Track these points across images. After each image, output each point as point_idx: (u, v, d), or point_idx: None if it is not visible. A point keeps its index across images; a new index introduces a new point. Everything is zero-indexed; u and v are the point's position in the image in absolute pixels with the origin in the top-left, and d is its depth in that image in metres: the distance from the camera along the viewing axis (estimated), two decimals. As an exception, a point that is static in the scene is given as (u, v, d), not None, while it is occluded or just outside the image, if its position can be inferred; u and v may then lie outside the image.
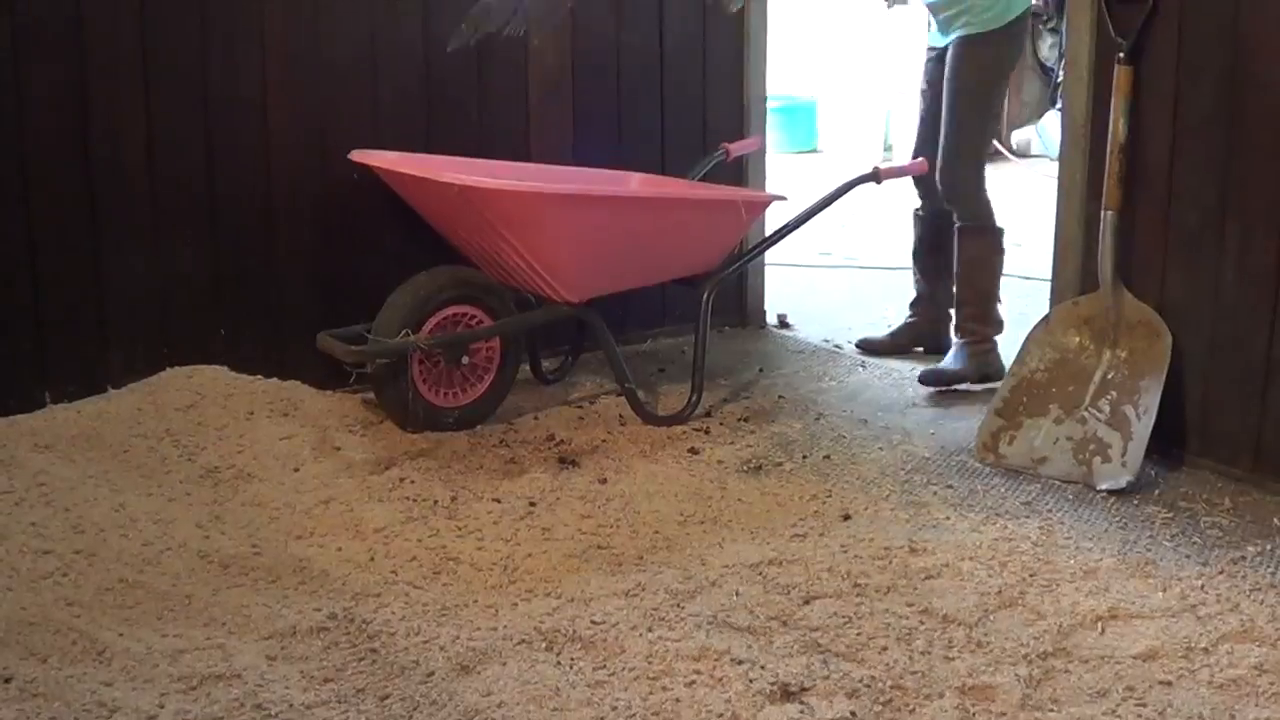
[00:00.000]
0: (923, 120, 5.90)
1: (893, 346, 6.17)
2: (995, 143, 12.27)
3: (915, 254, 6.16)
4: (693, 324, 5.28)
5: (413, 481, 4.42)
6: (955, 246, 5.77)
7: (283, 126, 5.15)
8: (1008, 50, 5.68)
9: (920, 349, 6.15)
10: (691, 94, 6.20)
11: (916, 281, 6.19)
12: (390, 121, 5.39)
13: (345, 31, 5.24)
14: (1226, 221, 4.55)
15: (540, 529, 4.16)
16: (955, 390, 5.61)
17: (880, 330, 6.34)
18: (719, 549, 4.03)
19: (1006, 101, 5.65)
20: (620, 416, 5.08)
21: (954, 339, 5.82)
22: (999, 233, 5.76)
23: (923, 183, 5.94)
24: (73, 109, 4.75)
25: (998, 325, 5.77)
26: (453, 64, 5.50)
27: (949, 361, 5.76)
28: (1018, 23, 5.60)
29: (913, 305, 6.21)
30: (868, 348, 6.20)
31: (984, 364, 5.70)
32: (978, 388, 5.59)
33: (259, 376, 4.99)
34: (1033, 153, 12.56)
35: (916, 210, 6.09)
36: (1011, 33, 5.61)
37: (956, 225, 5.75)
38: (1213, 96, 4.54)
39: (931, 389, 5.62)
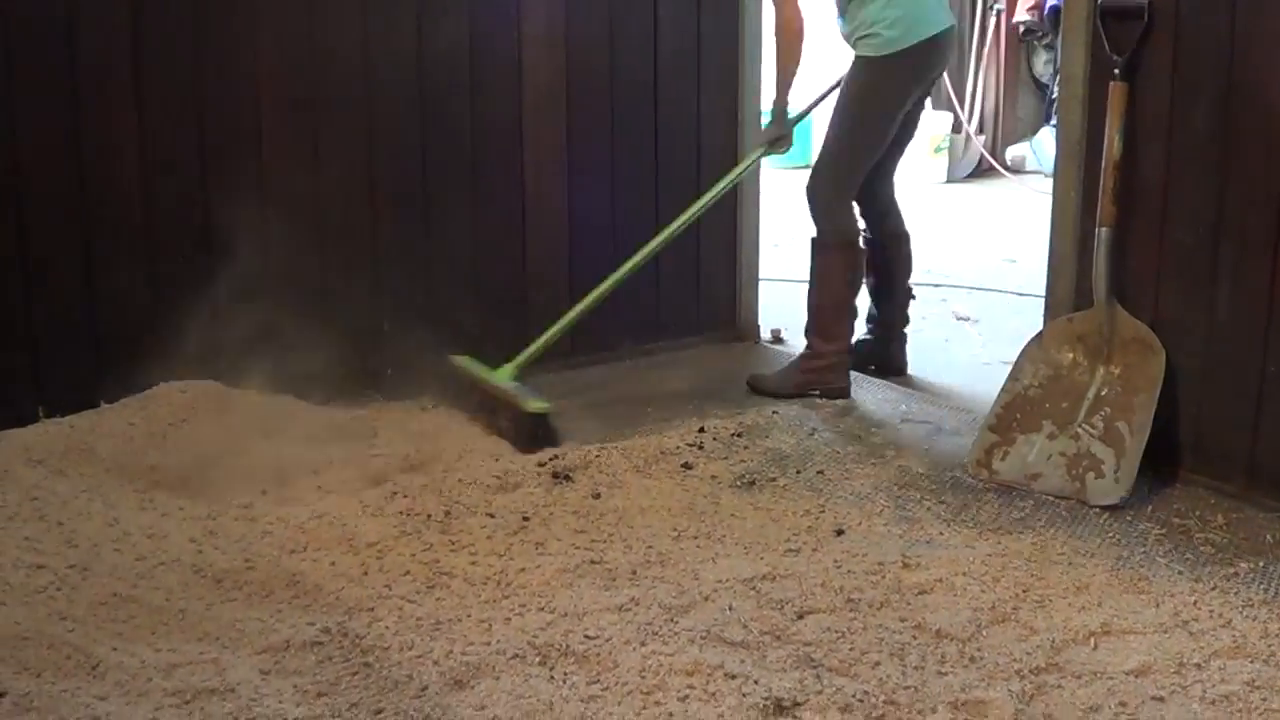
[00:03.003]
0: None
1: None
2: (990, 159, 12.30)
3: (867, 275, 6.06)
4: (688, 338, 5.30)
5: (406, 496, 4.42)
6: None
7: (275, 139, 5.17)
8: (890, 80, 5.55)
9: (873, 367, 6.11)
10: (685, 109, 6.21)
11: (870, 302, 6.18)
12: (384, 137, 5.41)
13: (339, 48, 5.26)
14: (1221, 238, 4.56)
15: (534, 544, 4.16)
16: (948, 406, 5.61)
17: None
18: (712, 564, 4.03)
19: (884, 132, 5.48)
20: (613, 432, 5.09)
21: None
22: (849, 251, 5.73)
23: (865, 212, 5.95)
24: (67, 120, 4.77)
25: (839, 343, 5.75)
26: (446, 79, 5.52)
27: (776, 371, 5.89)
28: (904, 56, 5.47)
29: (867, 322, 6.18)
30: None
31: (813, 380, 5.74)
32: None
33: (252, 390, 4.99)
34: (1027, 169, 12.55)
35: (864, 232, 6.00)
36: (896, 64, 5.50)
37: (811, 236, 5.77)
38: (1208, 114, 4.55)
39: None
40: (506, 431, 5.05)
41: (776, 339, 6.65)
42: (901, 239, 5.98)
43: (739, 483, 4.70)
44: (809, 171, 5.74)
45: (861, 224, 5.96)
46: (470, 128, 5.61)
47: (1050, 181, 5.26)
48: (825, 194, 5.68)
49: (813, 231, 5.75)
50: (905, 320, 6.07)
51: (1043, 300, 5.25)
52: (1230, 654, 3.53)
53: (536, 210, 5.82)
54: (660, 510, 4.44)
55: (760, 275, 6.68)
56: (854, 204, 5.76)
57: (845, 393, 5.69)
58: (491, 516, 4.33)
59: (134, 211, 4.92)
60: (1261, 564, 4.11)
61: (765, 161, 6.18)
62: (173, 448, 4.58)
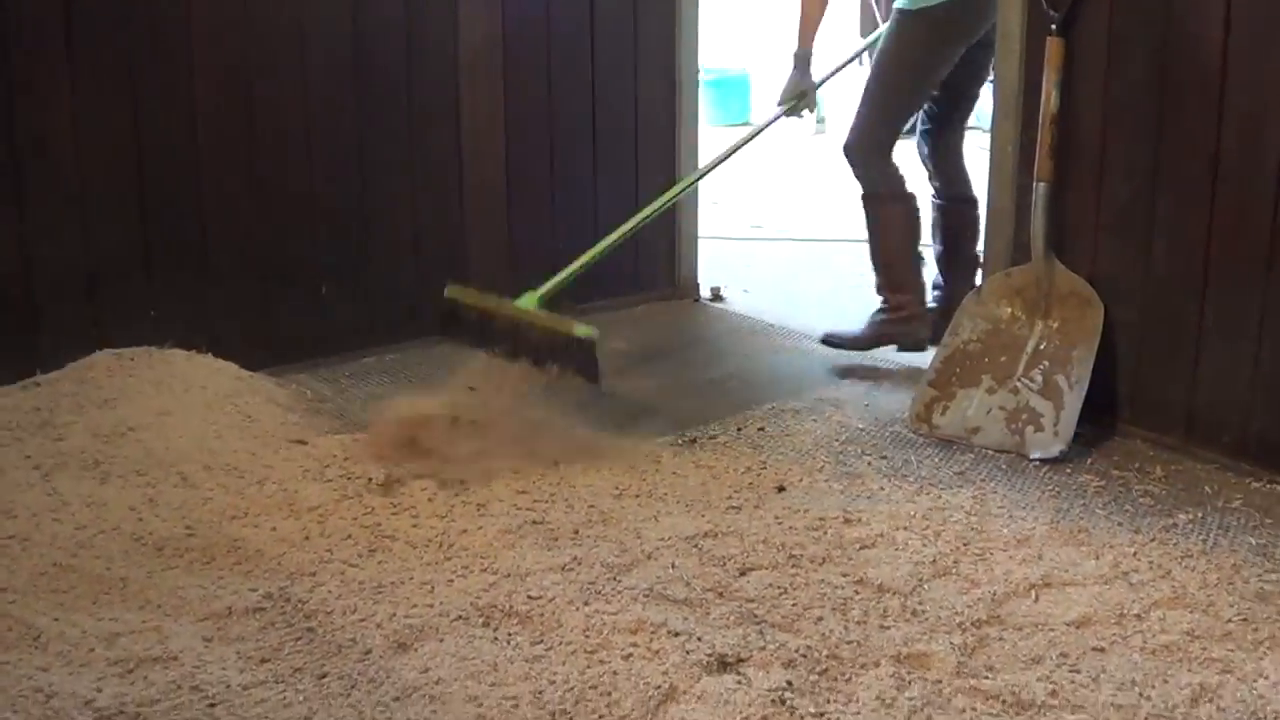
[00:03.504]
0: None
1: None
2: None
3: (933, 241, 5.97)
4: (627, 296, 5.27)
5: (347, 460, 4.41)
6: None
7: (210, 101, 5.12)
8: (924, 36, 5.45)
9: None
10: (623, 68, 6.19)
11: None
12: (319, 96, 5.37)
13: (271, 10, 5.20)
14: (1158, 193, 4.58)
15: (475, 505, 4.15)
16: (888, 362, 5.62)
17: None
18: (654, 522, 4.04)
19: (919, 88, 5.39)
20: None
21: None
22: (901, 200, 5.59)
23: (933, 168, 5.87)
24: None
25: (913, 293, 5.62)
26: (382, 39, 5.48)
27: (853, 327, 5.70)
28: (938, 11, 5.38)
29: (933, 289, 5.97)
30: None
31: (891, 331, 5.59)
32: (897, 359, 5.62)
33: (192, 353, 4.96)
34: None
35: (932, 197, 5.91)
36: (929, 19, 5.40)
37: (861, 194, 5.65)
38: (1144, 69, 4.57)
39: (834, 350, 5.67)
40: (549, 363, 4.81)
41: (716, 297, 6.65)
42: (969, 203, 5.84)
43: (680, 441, 4.71)
44: (847, 129, 5.62)
45: (933, 184, 5.91)
46: (406, 87, 5.58)
47: (988, 137, 5.27)
48: (862, 149, 5.57)
49: (859, 189, 5.62)
50: (973, 288, 5.63)
51: (980, 255, 5.26)
52: (1169, 604, 3.56)
53: (474, 170, 5.80)
54: (601, 469, 4.45)
55: (699, 233, 6.67)
56: (896, 160, 5.61)
57: (923, 345, 5.51)
58: (432, 479, 4.33)
59: (67, 177, 4.86)
60: (1200, 515, 4.15)
61: (703, 119, 6.17)
62: (111, 416, 4.55)
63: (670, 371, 5.45)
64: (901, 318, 5.59)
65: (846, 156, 5.62)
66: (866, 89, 5.59)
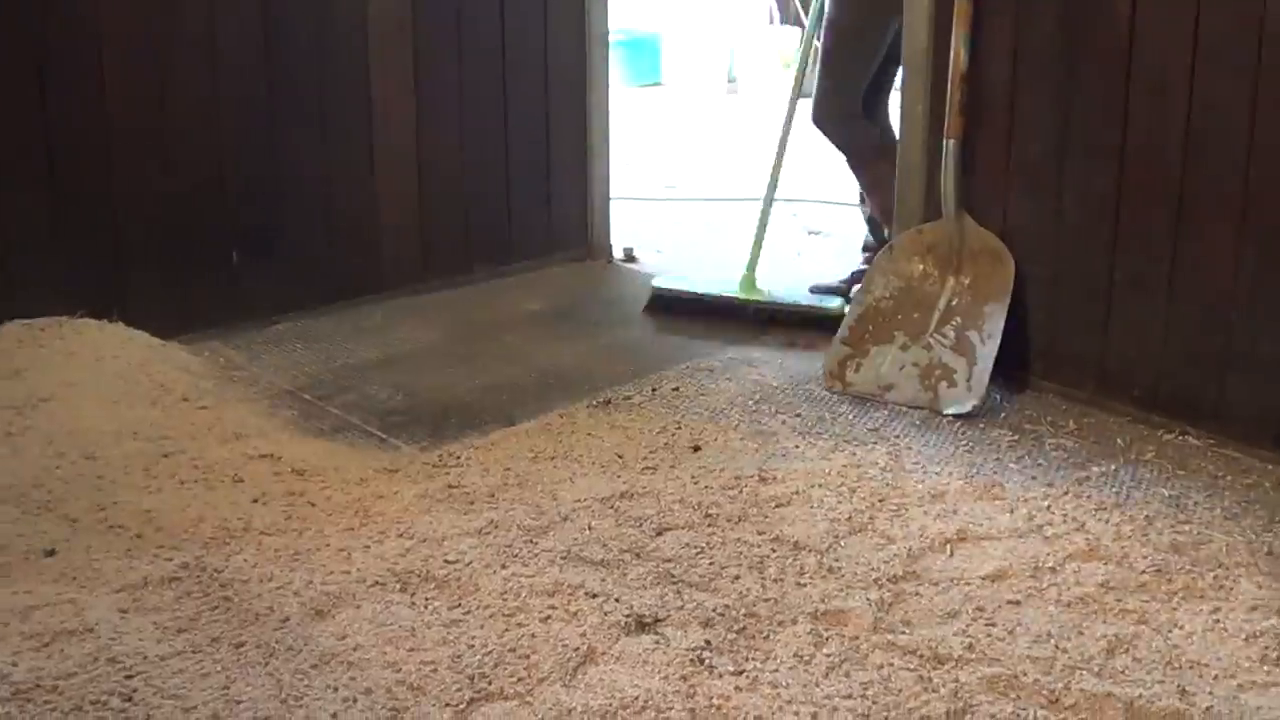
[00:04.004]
0: None
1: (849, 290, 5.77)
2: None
3: (860, 201, 6.07)
4: (539, 259, 5.25)
5: (259, 428, 4.38)
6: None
7: (118, 69, 5.06)
8: (867, 2, 5.52)
9: None
10: (534, 29, 6.16)
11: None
12: (229, 62, 5.31)
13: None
14: (1068, 149, 4.60)
15: (389, 471, 4.14)
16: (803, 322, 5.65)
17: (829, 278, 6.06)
18: (570, 484, 4.04)
19: (874, 43, 5.38)
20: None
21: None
22: (887, 154, 5.47)
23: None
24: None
25: None
26: (292, 6, 5.42)
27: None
28: None
29: (864, 251, 6.02)
30: (819, 292, 5.92)
31: None
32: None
33: (103, 322, 4.91)
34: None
35: None
36: None
37: (845, 160, 5.76)
38: (1053, 25, 4.58)
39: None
40: None
41: (629, 258, 6.64)
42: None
43: (594, 402, 4.71)
44: (810, 103, 5.72)
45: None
46: (316, 53, 5.52)
47: (898, 95, 5.29)
48: (827, 118, 5.70)
49: (841, 157, 5.73)
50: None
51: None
52: (1084, 557, 3.59)
53: (385, 134, 5.76)
54: (516, 431, 4.44)
55: (612, 194, 6.66)
56: (870, 118, 5.74)
57: None
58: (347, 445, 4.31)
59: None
60: (1113, 468, 4.18)
61: (615, 80, 6.13)
62: (21, 386, 4.51)
63: (584, 333, 5.45)
64: None
65: (818, 129, 5.73)
66: (821, 61, 5.68)
